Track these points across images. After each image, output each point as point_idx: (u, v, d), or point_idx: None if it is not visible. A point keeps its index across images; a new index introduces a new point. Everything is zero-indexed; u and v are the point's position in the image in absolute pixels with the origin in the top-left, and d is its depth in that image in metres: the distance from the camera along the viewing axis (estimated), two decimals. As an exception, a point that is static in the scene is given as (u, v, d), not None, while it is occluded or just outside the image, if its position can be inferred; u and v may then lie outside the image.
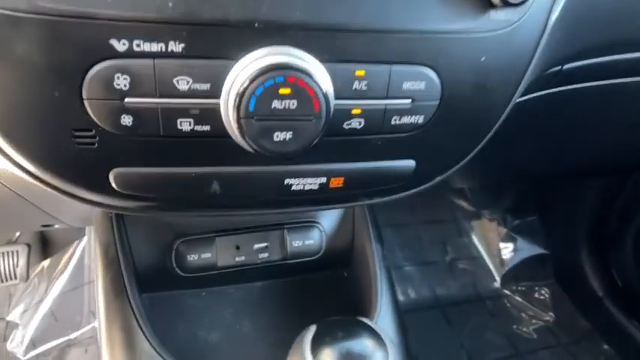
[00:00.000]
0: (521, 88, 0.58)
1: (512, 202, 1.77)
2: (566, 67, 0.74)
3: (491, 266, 1.72)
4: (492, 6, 0.48)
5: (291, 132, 0.46)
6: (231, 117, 0.45)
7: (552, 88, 0.79)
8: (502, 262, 1.70)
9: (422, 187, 0.63)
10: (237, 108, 0.44)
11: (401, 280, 1.60)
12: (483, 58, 0.51)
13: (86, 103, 0.44)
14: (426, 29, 0.48)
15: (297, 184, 0.54)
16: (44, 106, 0.45)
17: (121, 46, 0.42)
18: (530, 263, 1.69)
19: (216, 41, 0.44)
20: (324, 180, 0.55)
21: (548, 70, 0.68)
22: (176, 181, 0.51)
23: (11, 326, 1.47)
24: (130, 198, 0.53)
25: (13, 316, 1.48)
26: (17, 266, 1.47)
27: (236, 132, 0.45)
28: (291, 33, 0.45)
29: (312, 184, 0.55)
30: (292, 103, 0.44)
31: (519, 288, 1.67)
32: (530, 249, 1.70)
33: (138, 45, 0.42)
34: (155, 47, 0.43)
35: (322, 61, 0.46)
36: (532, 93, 0.74)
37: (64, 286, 1.51)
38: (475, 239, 1.77)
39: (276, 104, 0.44)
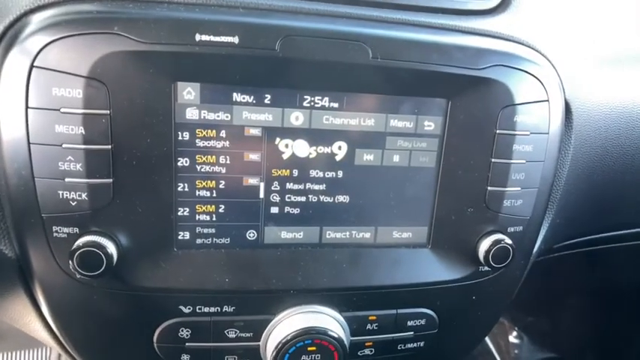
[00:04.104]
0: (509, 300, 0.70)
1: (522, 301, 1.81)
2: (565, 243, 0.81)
3: (499, 365, 1.77)
4: (480, 264, 0.60)
5: None
6: (268, 360, 0.57)
7: (556, 253, 0.85)
8: (511, 361, 1.76)
9: None
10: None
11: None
12: (474, 297, 0.63)
13: (156, 346, 0.57)
14: (428, 282, 0.60)
15: None
16: (122, 348, 0.58)
17: (186, 309, 0.55)
18: (539, 365, 1.73)
19: (259, 303, 0.56)
20: None
21: (553, 245, 0.76)
22: None
23: None
24: None
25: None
26: None
27: None
28: (318, 295, 0.57)
29: None
30: (317, 357, 0.56)
31: (527, 390, 1.72)
32: (538, 350, 1.75)
33: (199, 308, 0.55)
34: (212, 309, 0.56)
35: (341, 311, 0.58)
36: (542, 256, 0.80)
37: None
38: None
39: (304, 357, 0.56)
